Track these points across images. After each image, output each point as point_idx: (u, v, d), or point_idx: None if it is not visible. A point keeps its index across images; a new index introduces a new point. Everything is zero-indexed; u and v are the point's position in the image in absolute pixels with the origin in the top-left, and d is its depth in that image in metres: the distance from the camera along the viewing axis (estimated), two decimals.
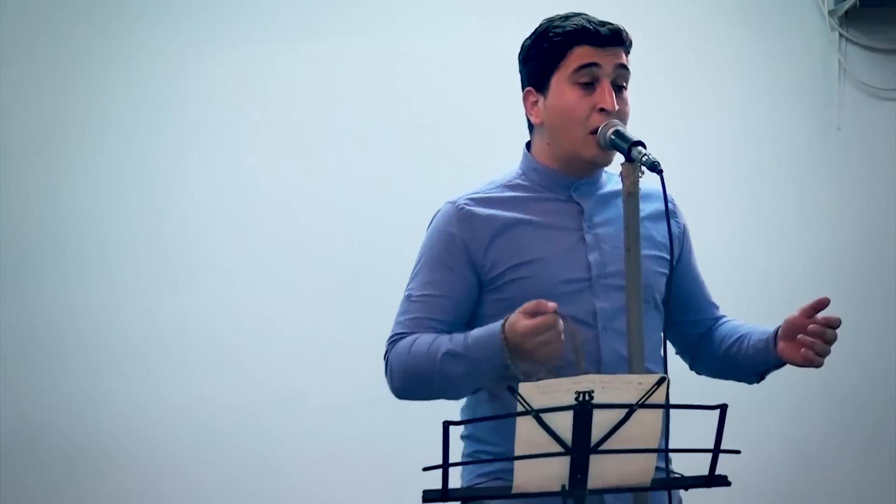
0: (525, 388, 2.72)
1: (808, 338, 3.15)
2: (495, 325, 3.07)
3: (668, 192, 3.27)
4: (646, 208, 3.17)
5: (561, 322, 2.97)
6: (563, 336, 2.98)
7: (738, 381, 3.54)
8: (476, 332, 3.15)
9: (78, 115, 5.47)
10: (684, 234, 3.53)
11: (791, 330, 3.22)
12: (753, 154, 5.01)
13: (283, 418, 5.23)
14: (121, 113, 5.42)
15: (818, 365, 3.21)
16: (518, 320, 2.97)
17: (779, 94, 5.11)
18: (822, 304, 3.18)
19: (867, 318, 4.98)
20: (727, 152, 4.85)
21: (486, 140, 4.57)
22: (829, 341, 3.18)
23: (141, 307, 5.29)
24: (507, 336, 3.00)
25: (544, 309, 2.95)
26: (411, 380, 3.28)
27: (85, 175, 5.35)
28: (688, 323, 3.55)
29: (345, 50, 5.28)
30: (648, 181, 3.11)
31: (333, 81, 5.29)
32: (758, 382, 3.50)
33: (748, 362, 3.40)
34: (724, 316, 3.62)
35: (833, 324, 3.17)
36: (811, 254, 4.95)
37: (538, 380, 2.95)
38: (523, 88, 3.42)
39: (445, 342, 3.19)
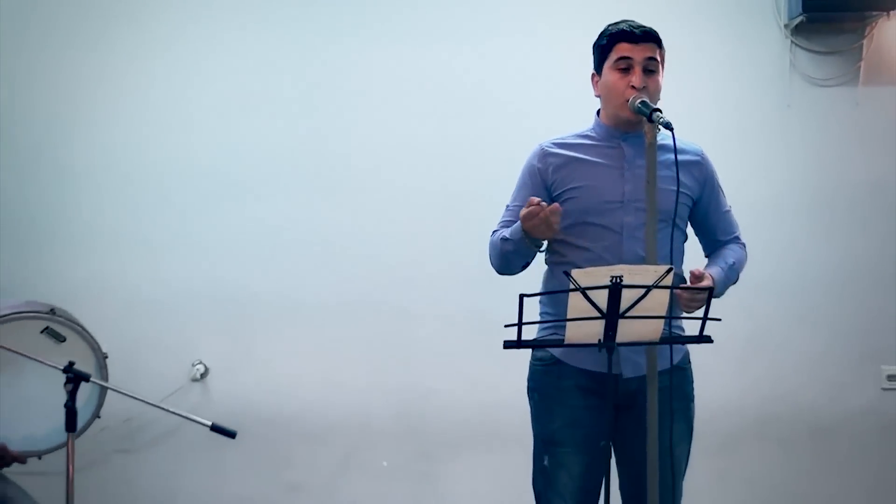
0: (576, 273, 2.79)
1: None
2: None
3: (700, 148, 3.39)
4: (682, 156, 3.20)
5: (544, 210, 3.07)
6: (552, 220, 3.09)
7: None
8: (514, 224, 3.25)
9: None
10: (711, 179, 3.44)
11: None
12: (730, 122, 4.98)
13: (412, 292, 5.29)
14: None
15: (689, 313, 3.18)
16: (521, 213, 3.12)
17: (748, 81, 5.07)
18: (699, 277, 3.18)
19: (801, 229, 5.06)
20: (712, 121, 4.82)
21: (557, 110, 4.52)
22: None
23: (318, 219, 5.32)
24: (522, 221, 3.12)
25: (530, 202, 3.09)
26: (493, 259, 3.41)
27: None
28: (708, 240, 3.53)
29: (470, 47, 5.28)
30: (683, 142, 3.17)
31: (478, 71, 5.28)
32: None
33: None
34: (735, 240, 3.53)
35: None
36: (767, 185, 4.95)
37: (538, 248, 3.28)
38: (592, 71, 3.44)
39: (504, 232, 3.32)
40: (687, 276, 3.26)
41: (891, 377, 5.06)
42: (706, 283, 3.16)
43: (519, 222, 3.15)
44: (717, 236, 3.51)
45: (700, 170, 3.40)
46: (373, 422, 5.34)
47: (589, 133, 3.42)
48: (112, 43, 5.42)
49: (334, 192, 5.34)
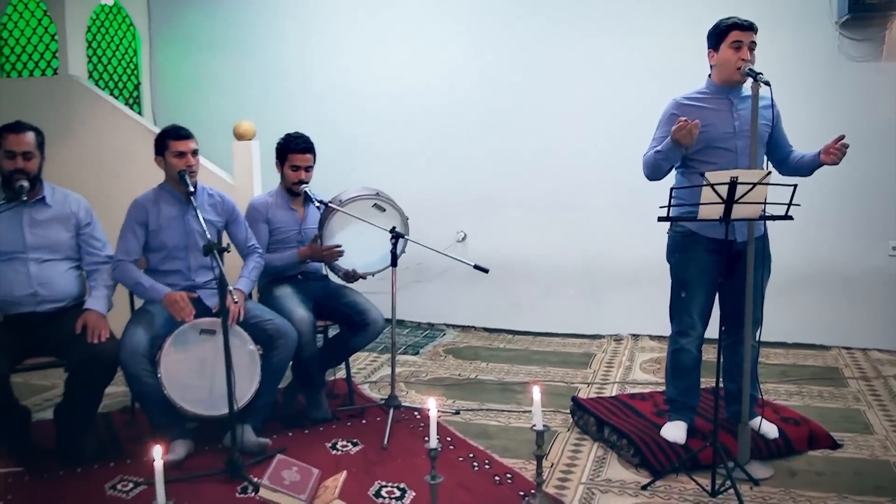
0: (709, 174, 2.75)
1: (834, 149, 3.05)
2: None
3: (769, 95, 3.10)
4: (760, 102, 3.02)
5: (690, 123, 2.93)
6: (693, 131, 2.94)
7: (800, 175, 3.20)
8: (664, 142, 3.07)
9: None
10: (778, 113, 3.19)
11: (825, 150, 3.07)
12: (797, 86, 4.65)
13: (592, 191, 5.22)
14: None
15: (836, 163, 3.08)
16: (673, 129, 2.97)
17: (810, 59, 4.74)
18: (840, 139, 3.04)
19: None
20: (786, 85, 4.36)
21: (685, 75, 4.31)
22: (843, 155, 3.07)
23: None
24: (673, 134, 2.98)
25: (679, 121, 2.95)
26: (647, 169, 3.20)
27: None
28: (778, 151, 3.28)
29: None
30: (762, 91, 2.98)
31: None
32: (811, 175, 3.23)
33: (810, 165, 3.15)
34: (794, 150, 3.32)
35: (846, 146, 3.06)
36: (822, 125, 4.41)
37: (682, 154, 3.05)
38: (708, 49, 3.22)
39: (657, 147, 3.10)
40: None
41: (895, 248, 4.82)
42: (844, 141, 3.04)
43: (669, 138, 3.01)
44: (786, 148, 3.30)
45: (773, 108, 3.20)
46: (564, 268, 5.40)
47: (704, 90, 3.22)
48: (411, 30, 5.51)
49: (542, 130, 5.33)
